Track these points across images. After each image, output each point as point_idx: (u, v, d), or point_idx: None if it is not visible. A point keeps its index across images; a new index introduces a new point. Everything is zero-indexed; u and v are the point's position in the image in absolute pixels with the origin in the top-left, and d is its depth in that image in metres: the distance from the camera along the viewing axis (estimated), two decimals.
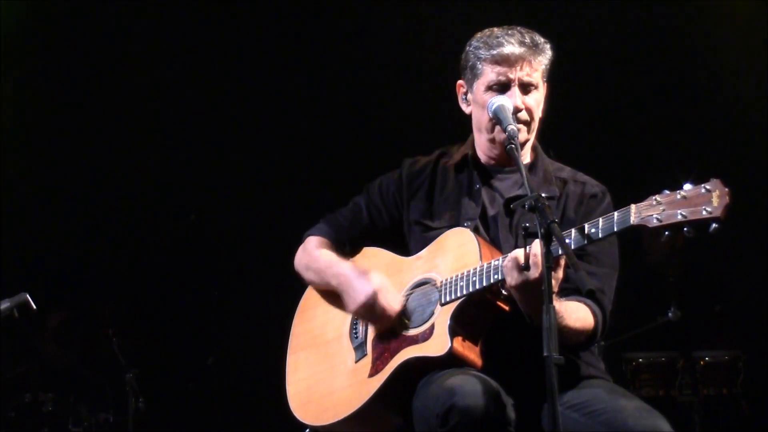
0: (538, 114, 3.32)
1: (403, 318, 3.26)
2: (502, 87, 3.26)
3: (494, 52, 3.25)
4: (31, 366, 6.49)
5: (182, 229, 7.10)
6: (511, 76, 3.25)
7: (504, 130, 3.15)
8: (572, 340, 3.08)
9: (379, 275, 3.32)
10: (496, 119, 3.21)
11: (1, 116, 6.78)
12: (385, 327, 3.28)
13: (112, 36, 6.90)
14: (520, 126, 3.24)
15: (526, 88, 3.27)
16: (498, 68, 3.26)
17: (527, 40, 3.27)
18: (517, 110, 3.23)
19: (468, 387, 2.90)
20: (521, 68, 3.25)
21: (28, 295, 4.83)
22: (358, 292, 3.30)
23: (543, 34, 3.32)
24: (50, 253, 6.90)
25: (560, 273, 2.90)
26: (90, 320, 6.46)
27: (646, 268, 6.32)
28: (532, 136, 3.36)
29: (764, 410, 6.34)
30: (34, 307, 4.81)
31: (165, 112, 6.99)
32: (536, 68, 3.28)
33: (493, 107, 3.21)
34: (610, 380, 3.27)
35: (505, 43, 3.25)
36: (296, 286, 3.66)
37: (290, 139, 7.08)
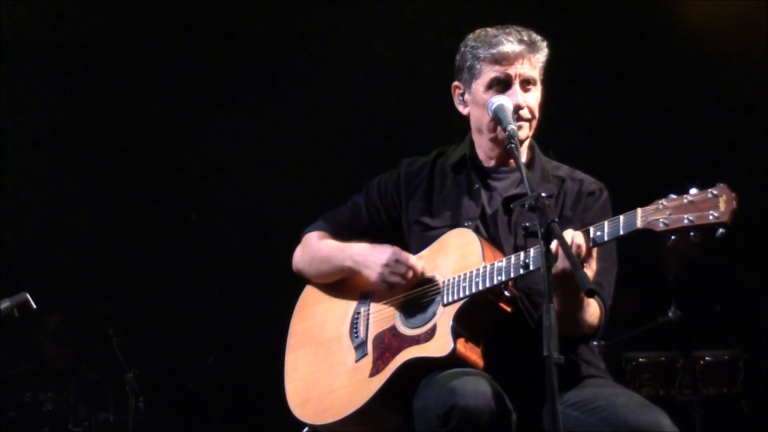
0: (537, 112, 3.31)
1: (405, 318, 3.26)
2: (503, 85, 3.25)
3: (494, 50, 3.24)
4: (31, 366, 6.49)
5: (182, 229, 7.10)
6: (512, 73, 3.24)
7: (504, 130, 3.14)
8: (580, 332, 3.09)
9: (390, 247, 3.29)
10: (496, 119, 3.20)
11: (1, 118, 6.78)
12: (410, 288, 3.23)
13: (111, 36, 6.90)
14: (522, 124, 3.24)
15: (526, 85, 3.26)
16: (498, 66, 3.25)
17: (525, 37, 3.26)
18: (519, 108, 3.22)
19: (469, 387, 2.89)
20: (522, 65, 3.24)
21: (28, 295, 4.84)
22: (379, 257, 3.26)
23: (546, 34, 3.31)
24: (50, 253, 6.90)
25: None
26: (90, 320, 6.45)
27: (646, 268, 6.31)
28: (530, 134, 3.35)
29: (764, 410, 6.34)
30: (34, 306, 4.82)
31: (165, 111, 6.99)
32: (535, 65, 3.27)
33: (493, 107, 3.20)
34: (610, 379, 3.27)
35: (505, 41, 3.24)
36: (296, 285, 3.65)
37: (290, 138, 7.08)
